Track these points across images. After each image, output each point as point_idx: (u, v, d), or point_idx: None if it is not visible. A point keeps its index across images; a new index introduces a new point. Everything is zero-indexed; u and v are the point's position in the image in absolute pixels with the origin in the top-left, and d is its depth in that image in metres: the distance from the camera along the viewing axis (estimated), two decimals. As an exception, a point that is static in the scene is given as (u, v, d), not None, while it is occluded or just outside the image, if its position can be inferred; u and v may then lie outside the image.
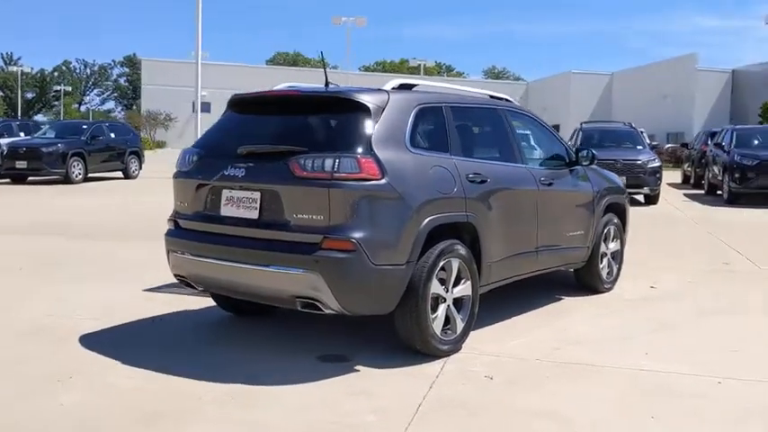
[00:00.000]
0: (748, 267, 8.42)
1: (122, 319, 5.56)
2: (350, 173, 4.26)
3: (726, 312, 6.23)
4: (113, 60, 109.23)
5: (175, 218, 5.02)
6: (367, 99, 4.57)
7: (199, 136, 24.16)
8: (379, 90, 4.78)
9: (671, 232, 11.73)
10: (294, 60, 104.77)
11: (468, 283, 4.90)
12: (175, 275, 5.06)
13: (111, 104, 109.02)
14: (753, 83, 52.58)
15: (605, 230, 6.78)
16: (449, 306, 4.77)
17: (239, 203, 4.58)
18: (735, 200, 16.08)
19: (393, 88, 4.91)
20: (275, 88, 5.31)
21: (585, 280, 6.78)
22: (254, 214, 4.51)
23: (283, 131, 4.73)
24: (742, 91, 53.99)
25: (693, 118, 52.22)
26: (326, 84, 5.01)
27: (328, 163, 4.27)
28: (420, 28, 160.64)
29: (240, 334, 5.31)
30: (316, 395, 4.06)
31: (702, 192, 19.11)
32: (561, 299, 6.59)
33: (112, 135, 21.50)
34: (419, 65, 55.01)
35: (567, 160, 6.37)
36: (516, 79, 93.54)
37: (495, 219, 5.15)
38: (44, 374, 4.33)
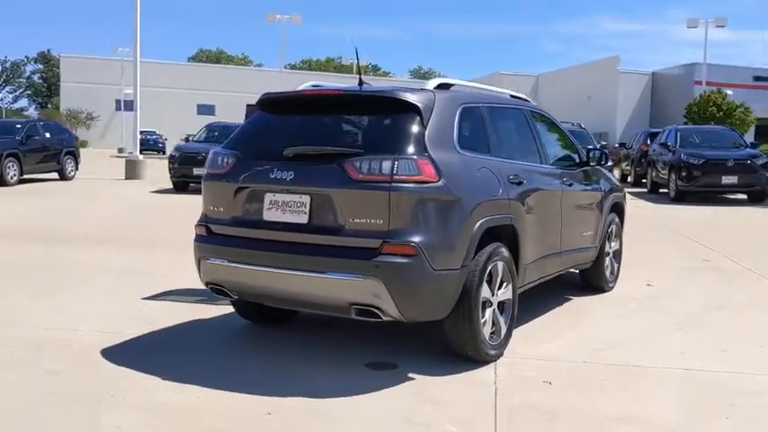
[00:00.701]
0: (728, 264, 8.66)
1: (136, 332, 5.23)
2: (409, 175, 4.12)
3: (729, 309, 6.35)
4: (26, 57, 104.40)
5: (206, 223, 4.74)
6: (416, 99, 4.42)
7: (138, 133, 23.40)
8: (424, 89, 4.65)
9: (635, 230, 11.91)
10: (217, 58, 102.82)
11: (510, 286, 4.83)
12: (207, 283, 4.78)
13: (23, 102, 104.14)
14: (671, 84, 54.83)
15: (609, 230, 6.85)
16: (494, 310, 4.68)
17: (285, 207, 4.36)
18: (681, 198, 16.63)
19: (435, 87, 4.78)
20: (300, 88, 5.10)
21: (592, 280, 6.82)
22: (304, 219, 4.30)
23: (329, 133, 4.54)
24: (661, 92, 56.22)
25: (616, 118, 54.09)
26: (360, 83, 4.83)
27: (386, 165, 4.11)
28: (344, 27, 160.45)
29: (271, 343, 5.07)
30: (385, 406, 3.90)
31: (645, 190, 19.70)
32: (570, 299, 6.60)
33: (48, 135, 20.42)
34: (352, 63, 54.71)
35: (579, 160, 6.39)
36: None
37: (531, 220, 5.10)
38: (82, 395, 4.01)
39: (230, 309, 5.82)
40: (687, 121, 33.94)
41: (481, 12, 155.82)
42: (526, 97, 6.06)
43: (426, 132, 4.32)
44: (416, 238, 4.10)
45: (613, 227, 6.98)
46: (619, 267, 7.24)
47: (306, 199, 4.30)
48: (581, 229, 6.19)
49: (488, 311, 4.61)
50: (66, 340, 5.01)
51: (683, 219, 13.49)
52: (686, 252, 9.62)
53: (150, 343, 5.04)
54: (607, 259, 6.88)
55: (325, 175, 4.22)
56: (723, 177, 16.12)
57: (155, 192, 17.90)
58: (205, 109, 64.61)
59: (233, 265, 4.51)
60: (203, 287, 6.61)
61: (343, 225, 4.18)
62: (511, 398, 4.04)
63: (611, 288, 6.99)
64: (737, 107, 34.39)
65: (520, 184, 5.00)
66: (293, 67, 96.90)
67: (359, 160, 4.15)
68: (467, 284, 4.36)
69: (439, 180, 4.20)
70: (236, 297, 4.78)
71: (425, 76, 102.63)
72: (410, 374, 4.37)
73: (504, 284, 4.78)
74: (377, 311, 4.15)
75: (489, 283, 4.60)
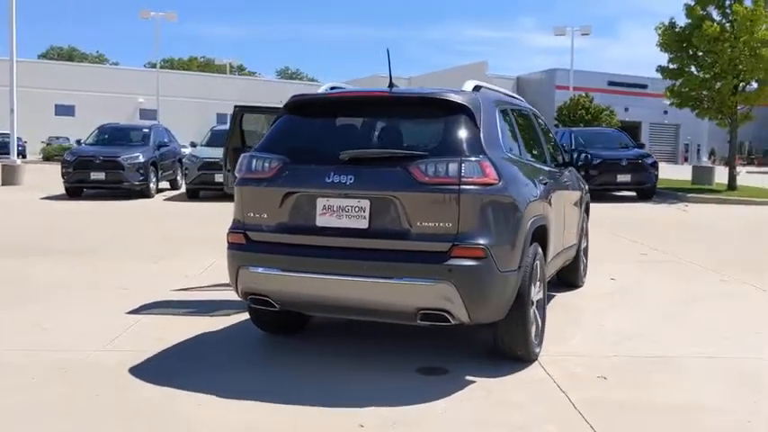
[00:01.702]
0: (664, 257, 9.25)
1: (150, 349, 4.85)
2: (474, 177, 4.10)
3: (699, 299, 6.75)
4: None
5: (244, 230, 4.49)
6: (466, 100, 4.41)
7: (15, 137, 21.71)
8: (467, 91, 4.64)
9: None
10: (70, 55, 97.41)
11: (541, 284, 4.92)
12: (247, 293, 4.50)
13: None
14: (534, 89, 57.62)
15: (583, 227, 7.12)
16: (534, 309, 4.75)
17: (342, 212, 4.21)
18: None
19: (473, 89, 4.78)
20: (320, 91, 4.96)
21: (570, 276, 7.05)
22: (364, 224, 4.17)
23: (381, 135, 4.44)
24: (525, 96, 58.33)
25: (485, 120, 55.96)
26: (390, 85, 4.76)
27: (453, 167, 4.07)
28: (209, 26, 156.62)
29: (301, 354, 4.86)
30: (467, 410, 3.86)
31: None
32: (553, 295, 6.78)
33: None
34: (226, 64, 53.42)
35: (564, 160, 6.59)
36: (311, 80, 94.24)
37: (552, 220, 5.22)
38: (147, 418, 3.70)
39: (231, 320, 5.62)
40: (558, 123, 35.75)
41: (347, 15, 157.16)
42: (521, 98, 6.18)
43: (481, 134, 4.32)
44: (484, 240, 4.09)
45: (585, 224, 7.27)
46: (587, 263, 7.55)
47: (365, 203, 4.17)
48: (572, 227, 6.40)
49: (531, 311, 4.67)
50: (77, 361, 4.59)
51: (592, 215, 14.17)
52: (621, 246, 10.17)
53: (174, 360, 4.70)
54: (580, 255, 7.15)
55: (389, 178, 4.12)
56: (618, 176, 17.17)
57: (46, 198, 16.70)
58: (64, 109, 60.96)
59: (285, 273, 4.29)
60: (178, 298, 6.39)
61: (409, 229, 4.10)
62: (580, 395, 4.09)
63: (583, 284, 7.27)
64: (603, 110, 36.67)
65: (545, 184, 5.11)
66: (153, 65, 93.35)
67: (424, 163, 4.09)
68: (522, 285, 4.40)
69: (499, 181, 4.22)
70: (278, 307, 4.53)
71: (293, 76, 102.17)
72: (468, 377, 4.35)
73: (539, 283, 4.86)
74: (446, 315, 4.10)
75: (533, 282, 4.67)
